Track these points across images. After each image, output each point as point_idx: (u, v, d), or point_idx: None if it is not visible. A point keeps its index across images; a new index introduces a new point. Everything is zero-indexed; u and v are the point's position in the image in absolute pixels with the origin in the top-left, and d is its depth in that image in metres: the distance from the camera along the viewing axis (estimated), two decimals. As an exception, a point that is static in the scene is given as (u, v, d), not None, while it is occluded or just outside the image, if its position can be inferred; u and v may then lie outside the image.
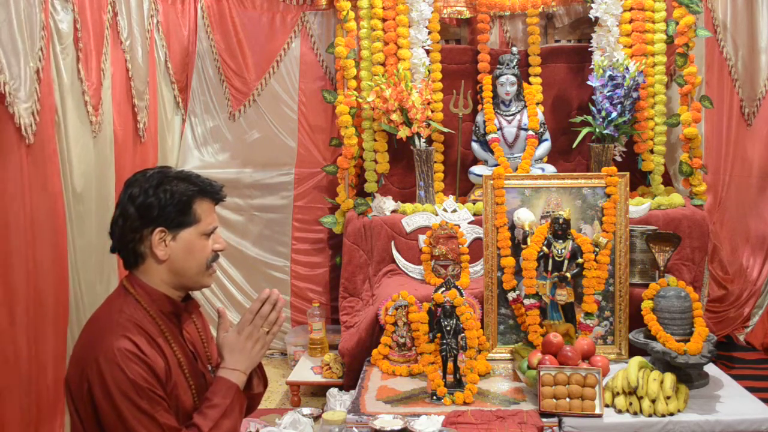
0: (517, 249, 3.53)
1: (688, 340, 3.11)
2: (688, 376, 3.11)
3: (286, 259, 4.62)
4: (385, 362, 3.44)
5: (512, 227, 3.58)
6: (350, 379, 3.58)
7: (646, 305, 3.30)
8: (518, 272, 3.50)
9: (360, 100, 4.10)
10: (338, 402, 3.27)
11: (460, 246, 3.83)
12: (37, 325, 2.85)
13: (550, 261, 3.37)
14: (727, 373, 3.39)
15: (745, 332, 4.51)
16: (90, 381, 1.63)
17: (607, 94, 3.93)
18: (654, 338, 3.19)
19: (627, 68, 3.91)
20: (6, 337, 2.68)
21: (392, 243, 4.00)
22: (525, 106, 4.24)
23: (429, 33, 4.21)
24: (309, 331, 4.09)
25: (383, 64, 4.18)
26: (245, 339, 1.83)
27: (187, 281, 1.83)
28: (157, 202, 1.75)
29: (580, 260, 3.37)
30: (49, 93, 2.94)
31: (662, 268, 3.52)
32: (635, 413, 2.84)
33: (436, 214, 4.04)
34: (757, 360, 4.21)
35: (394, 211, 4.13)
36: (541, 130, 4.22)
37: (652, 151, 4.18)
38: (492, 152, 4.14)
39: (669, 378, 2.92)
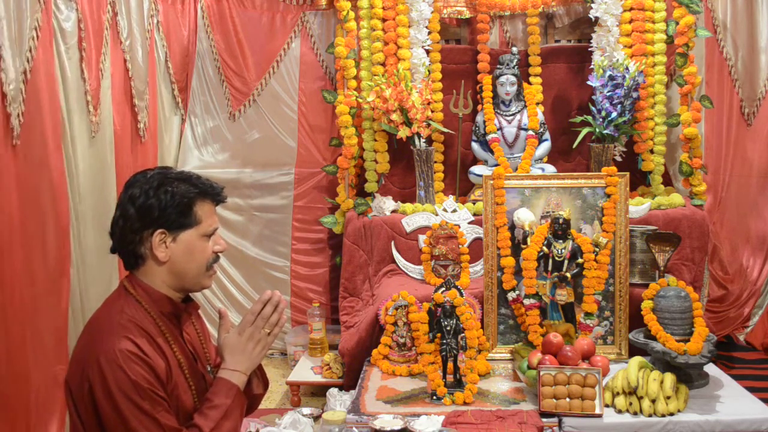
0: (517, 249, 3.53)
1: (688, 340, 3.11)
2: (688, 376, 3.11)
3: (286, 259, 4.62)
4: (385, 362, 3.44)
5: (512, 227, 3.58)
6: (350, 379, 3.58)
7: (646, 305, 3.30)
8: (518, 272, 3.50)
9: (360, 100, 4.10)
10: (338, 402, 3.27)
11: (460, 246, 3.83)
12: (35, 324, 2.84)
13: (550, 261, 3.37)
14: (727, 373, 3.39)
15: (745, 332, 4.51)
16: (91, 381, 1.63)
17: (607, 94, 3.93)
18: (654, 338, 3.19)
19: (627, 68, 3.91)
20: (4, 336, 2.68)
21: (392, 243, 4.00)
22: (525, 106, 4.24)
23: (429, 33, 4.21)
24: (309, 331, 4.09)
25: (383, 64, 4.18)
26: (246, 340, 1.83)
27: (187, 282, 1.83)
28: (157, 203, 1.74)
29: (580, 260, 3.37)
30: (53, 93, 2.94)
31: (662, 268, 3.52)
32: (635, 413, 2.84)
33: (436, 214, 4.04)
34: (757, 360, 4.22)
35: (394, 211, 4.13)
36: (541, 130, 4.22)
37: (652, 151, 4.18)
38: (492, 152, 4.15)
39: (669, 378, 2.92)
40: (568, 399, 2.85)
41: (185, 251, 1.79)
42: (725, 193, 4.56)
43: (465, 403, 3.00)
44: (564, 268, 3.36)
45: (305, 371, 3.86)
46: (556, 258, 3.37)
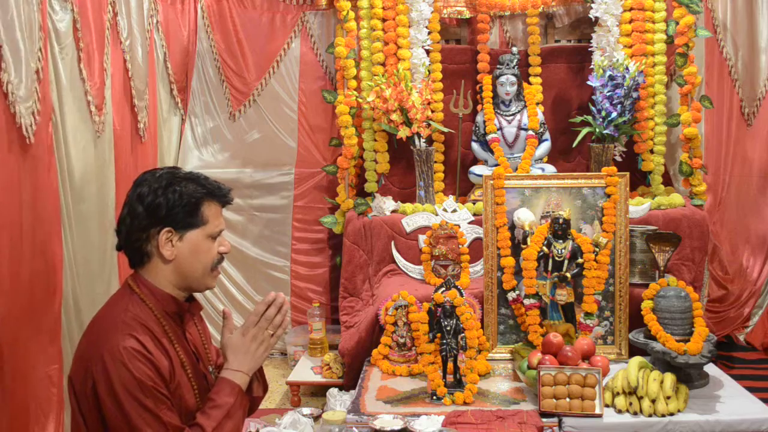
0: (517, 249, 3.53)
1: (688, 340, 3.11)
2: (688, 376, 3.11)
3: (286, 259, 4.62)
4: (385, 362, 3.44)
5: (512, 227, 3.59)
6: (350, 379, 3.58)
7: (646, 305, 3.30)
8: (518, 272, 3.50)
9: (360, 100, 4.11)
10: (338, 402, 3.27)
11: (460, 246, 3.83)
12: (31, 322, 2.83)
13: (550, 261, 3.37)
14: (727, 373, 3.39)
15: (745, 332, 4.51)
16: (95, 379, 1.64)
17: (607, 94, 3.93)
18: (654, 338, 3.19)
19: (627, 68, 3.91)
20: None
21: (392, 243, 4.00)
22: (525, 106, 4.24)
23: (429, 33, 4.21)
24: (309, 331, 4.09)
25: (383, 64, 4.18)
26: (250, 341, 1.84)
27: (191, 282, 1.84)
28: (165, 202, 1.76)
29: (580, 260, 3.37)
30: (46, 92, 2.93)
31: (662, 268, 3.52)
32: (635, 413, 2.84)
33: (436, 214, 4.04)
34: (757, 360, 4.22)
35: (394, 211, 4.13)
36: (541, 130, 4.22)
37: (652, 151, 4.18)
38: (492, 152, 4.15)
39: (669, 378, 2.92)
40: (568, 399, 2.85)
41: (191, 251, 1.80)
42: (725, 193, 4.57)
43: (465, 403, 3.00)
44: (564, 268, 3.36)
45: (305, 371, 3.86)
46: (556, 258, 3.37)
